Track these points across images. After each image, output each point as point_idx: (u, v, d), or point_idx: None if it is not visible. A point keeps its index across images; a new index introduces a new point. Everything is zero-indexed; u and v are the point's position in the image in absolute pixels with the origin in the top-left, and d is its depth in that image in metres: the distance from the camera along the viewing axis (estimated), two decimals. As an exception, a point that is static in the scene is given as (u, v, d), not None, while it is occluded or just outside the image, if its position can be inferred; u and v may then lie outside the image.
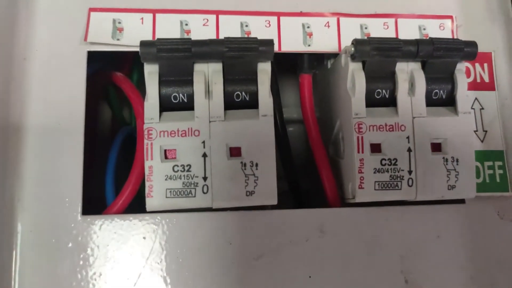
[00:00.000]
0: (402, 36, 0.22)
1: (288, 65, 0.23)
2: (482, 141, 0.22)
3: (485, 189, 0.21)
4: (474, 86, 0.22)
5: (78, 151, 0.19)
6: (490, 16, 0.23)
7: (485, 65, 0.23)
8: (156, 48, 0.18)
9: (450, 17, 0.23)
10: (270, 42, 0.19)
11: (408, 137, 0.20)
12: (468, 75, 0.22)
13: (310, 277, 0.20)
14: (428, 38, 0.21)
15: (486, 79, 0.22)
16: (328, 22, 0.22)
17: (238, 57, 0.19)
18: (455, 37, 0.23)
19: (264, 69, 0.19)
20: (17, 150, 0.19)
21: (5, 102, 0.19)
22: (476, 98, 0.22)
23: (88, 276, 0.19)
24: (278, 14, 0.21)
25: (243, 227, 0.19)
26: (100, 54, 0.20)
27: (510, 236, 0.21)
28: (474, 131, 0.22)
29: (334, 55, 0.22)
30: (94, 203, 0.20)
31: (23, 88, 0.20)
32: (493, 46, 0.23)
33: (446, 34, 0.22)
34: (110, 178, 0.21)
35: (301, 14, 0.22)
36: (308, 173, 0.23)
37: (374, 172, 0.20)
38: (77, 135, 0.19)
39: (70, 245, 0.19)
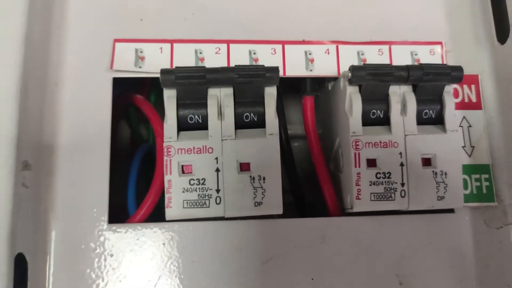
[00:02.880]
0: (396, 61, 0.24)
1: (294, 87, 0.25)
2: (469, 156, 0.24)
3: (473, 199, 0.23)
4: (462, 105, 0.24)
5: (105, 167, 0.22)
6: (477, 41, 0.25)
7: (473, 86, 0.25)
8: (174, 76, 0.21)
9: (440, 43, 0.25)
10: (275, 69, 0.21)
11: (400, 153, 0.22)
12: (457, 96, 0.25)
13: (312, 279, 0.22)
14: (418, 64, 0.23)
15: (474, 99, 0.25)
16: (328, 49, 0.24)
17: (247, 83, 0.21)
18: (445, 61, 0.25)
19: (271, 93, 0.22)
20: (50, 167, 0.22)
21: (39, 123, 0.22)
22: (464, 117, 0.24)
23: (114, 278, 0.21)
24: (283, 43, 0.24)
25: (252, 235, 0.22)
26: (124, 79, 0.23)
27: (496, 242, 0.23)
28: (462, 147, 0.24)
29: (334, 79, 0.24)
30: (116, 213, 0.22)
31: (54, 111, 0.22)
32: (480, 69, 0.25)
33: (436, 59, 0.25)
34: (132, 190, 0.23)
35: (303, 42, 0.24)
36: (311, 185, 0.26)
37: (370, 185, 0.22)
38: (104, 153, 0.22)
39: (97, 250, 0.21)
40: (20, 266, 0.19)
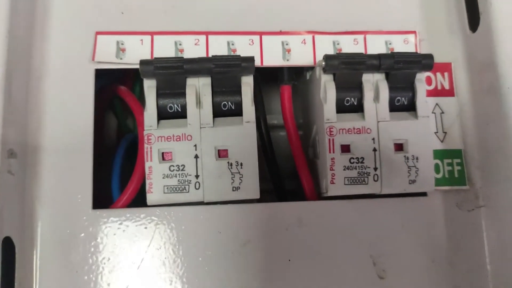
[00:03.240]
0: (370, 50, 0.25)
1: (275, 77, 0.26)
2: (442, 141, 0.25)
3: (445, 183, 0.24)
4: (436, 93, 0.25)
5: (88, 156, 0.22)
6: (450, 30, 0.26)
7: (446, 74, 0.25)
8: (153, 66, 0.22)
9: (414, 32, 0.26)
10: (251, 59, 0.22)
11: (373, 139, 0.23)
12: (430, 83, 0.25)
13: (289, 260, 0.23)
14: (390, 52, 0.24)
15: (447, 87, 0.25)
16: (304, 39, 0.25)
17: (224, 73, 0.22)
18: (418, 50, 0.25)
19: (247, 82, 0.23)
20: (35, 155, 0.22)
21: (23, 114, 0.22)
22: (437, 104, 0.25)
23: (98, 261, 0.22)
24: (260, 33, 0.25)
25: (231, 219, 0.23)
26: (107, 71, 0.24)
27: (467, 224, 0.24)
28: (435, 133, 0.25)
29: (312, 68, 0.25)
30: (102, 199, 0.23)
31: (39, 102, 0.23)
32: (453, 57, 0.26)
33: (410, 48, 0.25)
34: (116, 177, 0.24)
35: (280, 33, 0.25)
36: (292, 172, 0.26)
37: (344, 169, 0.23)
38: (87, 141, 0.23)
39: (82, 235, 0.22)
40: (7, 249, 0.20)
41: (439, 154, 0.24)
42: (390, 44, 0.25)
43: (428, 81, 0.25)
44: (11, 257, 0.21)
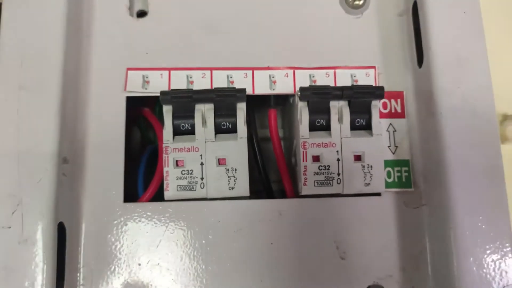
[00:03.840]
0: (339, 81, 0.32)
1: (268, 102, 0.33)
2: (393, 153, 0.31)
3: (395, 186, 0.31)
4: (390, 115, 0.32)
5: (120, 161, 0.29)
6: (403, 65, 0.32)
7: (398, 100, 0.32)
8: (170, 96, 0.29)
9: (374, 67, 0.32)
10: (243, 91, 0.29)
11: (337, 151, 0.30)
12: (385, 107, 0.32)
13: (272, 244, 0.29)
14: (351, 85, 0.30)
15: (399, 110, 0.32)
16: (287, 73, 0.32)
17: (223, 101, 0.29)
18: (377, 82, 0.32)
19: (241, 108, 0.29)
20: (81, 161, 0.30)
21: (73, 131, 0.30)
22: (390, 123, 0.32)
23: (128, 241, 0.29)
24: (252, 69, 0.31)
25: (227, 211, 0.29)
26: (134, 97, 0.31)
27: (412, 218, 0.30)
28: (388, 146, 0.31)
29: (293, 95, 0.32)
30: (129, 195, 0.30)
31: (84, 122, 0.30)
32: (405, 87, 0.32)
33: (370, 80, 0.32)
34: (141, 178, 0.31)
35: (268, 68, 0.32)
36: (277, 176, 0.33)
37: (314, 174, 0.30)
38: (120, 151, 0.30)
39: (115, 221, 0.29)
40: (61, 231, 0.27)
41: (391, 163, 0.31)
42: (354, 76, 0.32)
43: (384, 105, 0.32)
44: (63, 237, 0.28)
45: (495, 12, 0.38)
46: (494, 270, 0.27)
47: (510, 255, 0.27)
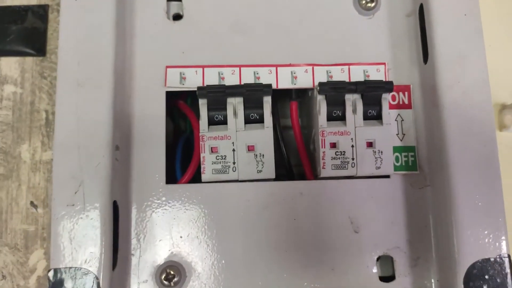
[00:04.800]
0: (353, 77, 0.36)
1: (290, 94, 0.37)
2: (401, 140, 0.35)
3: (402, 169, 0.35)
4: (398, 106, 0.36)
5: (162, 148, 0.34)
6: (410, 62, 0.36)
7: (406, 93, 0.36)
8: (206, 91, 0.33)
9: (384, 63, 0.36)
10: (269, 86, 0.33)
11: (352, 139, 0.34)
12: (394, 100, 0.36)
13: (295, 219, 0.34)
14: (363, 80, 0.34)
15: (406, 102, 0.36)
16: (306, 69, 0.36)
17: (251, 95, 0.33)
18: (387, 77, 0.36)
19: (267, 101, 0.34)
20: (129, 148, 0.34)
21: (122, 123, 0.34)
22: (399, 114, 0.36)
23: (170, 218, 0.33)
24: (276, 66, 0.35)
25: (256, 191, 0.34)
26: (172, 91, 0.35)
27: (418, 198, 0.34)
28: (396, 134, 0.35)
29: (312, 89, 0.36)
30: (169, 177, 0.35)
31: (132, 114, 0.34)
32: (412, 81, 0.36)
33: (381, 75, 0.36)
34: (178, 163, 0.35)
35: (290, 65, 0.36)
36: (298, 160, 0.38)
37: (331, 159, 0.34)
38: (161, 139, 0.34)
39: (158, 201, 0.34)
40: (115, 209, 0.32)
41: (399, 149, 0.35)
42: (367, 72, 0.36)
43: (393, 98, 0.36)
44: (117, 214, 0.32)
45: (493, 14, 0.42)
46: (489, 242, 0.31)
47: (503, 229, 0.31)
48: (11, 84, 0.41)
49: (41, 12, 0.42)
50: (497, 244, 0.31)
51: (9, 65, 0.41)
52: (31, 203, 0.40)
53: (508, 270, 0.31)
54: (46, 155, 0.40)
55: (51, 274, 0.30)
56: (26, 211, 0.40)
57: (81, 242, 0.30)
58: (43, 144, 0.40)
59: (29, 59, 0.42)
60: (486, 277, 0.31)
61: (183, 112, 0.37)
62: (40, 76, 0.41)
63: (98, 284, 0.29)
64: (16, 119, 0.41)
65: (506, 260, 0.31)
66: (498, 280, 0.31)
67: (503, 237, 0.31)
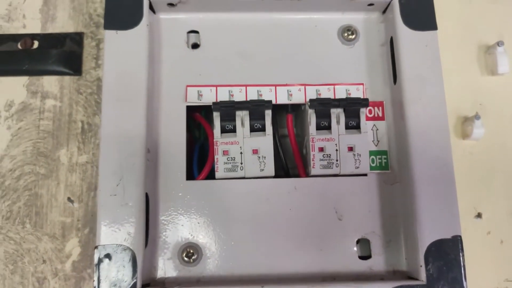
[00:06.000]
0: (337, 94, 0.44)
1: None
2: (376, 146, 0.44)
3: (377, 169, 0.43)
4: (374, 118, 0.44)
5: (183, 151, 0.42)
6: (384, 82, 0.45)
7: (380, 107, 0.44)
8: (219, 105, 0.41)
9: (362, 84, 0.45)
10: (269, 102, 0.41)
11: (336, 144, 0.42)
12: (371, 113, 0.44)
13: (290, 209, 0.42)
14: (345, 98, 0.43)
15: (380, 115, 0.44)
16: (300, 88, 0.44)
17: (255, 109, 0.41)
18: (365, 95, 0.44)
19: (268, 113, 0.42)
20: (156, 151, 0.42)
21: (151, 128, 0.42)
22: (374, 124, 0.44)
23: (188, 207, 0.41)
24: (275, 85, 0.43)
25: (259, 186, 0.42)
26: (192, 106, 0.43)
27: (389, 192, 0.42)
28: (372, 141, 0.44)
29: (304, 104, 0.44)
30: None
31: (158, 121, 0.43)
32: (385, 98, 0.44)
33: (360, 93, 0.43)
34: (195, 163, 0.43)
35: (286, 85, 0.44)
36: (293, 162, 0.46)
37: (320, 160, 0.42)
38: (182, 144, 0.42)
39: (180, 194, 0.42)
40: (146, 200, 0.40)
41: (374, 153, 0.43)
42: (348, 91, 0.44)
43: (370, 111, 0.44)
44: (147, 203, 0.40)
45: (449, 44, 0.51)
46: (444, 225, 0.39)
47: (456, 215, 0.39)
48: (51, 98, 0.49)
49: (78, 39, 0.50)
50: (451, 227, 0.39)
51: (50, 82, 0.49)
52: (68, 198, 0.47)
53: (460, 248, 0.39)
54: (82, 158, 0.48)
55: (97, 250, 0.37)
56: (63, 206, 0.47)
57: (121, 225, 0.38)
58: (79, 149, 0.48)
59: (67, 78, 0.49)
60: (443, 253, 0.38)
61: (197, 123, 0.46)
62: (76, 92, 0.49)
63: (134, 257, 0.37)
64: (56, 128, 0.48)
65: (459, 240, 0.39)
66: (452, 255, 0.39)
67: (456, 222, 0.39)
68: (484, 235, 0.48)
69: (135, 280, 0.36)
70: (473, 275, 0.45)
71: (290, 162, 0.45)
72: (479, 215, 0.48)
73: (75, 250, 0.45)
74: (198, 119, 0.45)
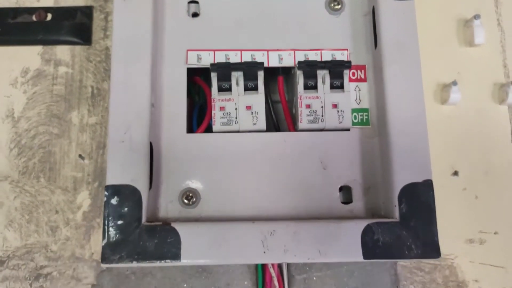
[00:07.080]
0: (324, 58, 0.49)
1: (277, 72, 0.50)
2: (358, 104, 0.48)
3: (359, 124, 0.47)
4: (357, 80, 0.48)
5: (183, 110, 0.47)
6: (366, 47, 0.49)
7: (362, 70, 0.49)
8: (216, 66, 0.46)
9: (346, 49, 0.49)
10: (262, 63, 0.46)
11: (321, 101, 0.47)
12: (354, 75, 0.48)
13: (280, 159, 0.46)
14: (330, 60, 0.47)
15: (362, 77, 0.49)
16: (290, 53, 0.49)
17: (249, 69, 0.46)
18: (349, 59, 0.49)
19: (260, 74, 0.46)
20: (160, 109, 0.47)
21: (155, 88, 0.47)
22: (357, 85, 0.49)
23: (189, 157, 0.46)
24: (267, 50, 0.48)
25: (252, 138, 0.46)
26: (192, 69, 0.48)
27: (369, 145, 0.47)
28: (355, 100, 0.48)
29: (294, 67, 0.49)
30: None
31: (161, 84, 0.47)
32: (367, 62, 0.48)
33: (344, 57, 0.48)
34: (195, 118, 0.48)
35: (277, 49, 0.49)
36: (283, 119, 0.50)
37: (306, 116, 0.46)
38: (183, 104, 0.47)
39: (181, 145, 0.46)
40: (150, 148, 0.44)
41: (356, 110, 0.48)
42: (334, 55, 0.48)
43: (353, 74, 0.48)
44: (151, 151, 0.45)
45: (431, 19, 0.56)
46: (417, 168, 0.43)
47: (427, 161, 0.44)
48: (64, 66, 0.53)
49: (88, 12, 0.55)
50: (423, 172, 0.44)
51: (63, 51, 0.54)
52: (79, 155, 0.51)
53: (431, 191, 0.43)
54: (91, 120, 0.52)
55: (107, 189, 0.42)
56: (75, 162, 0.51)
57: (128, 168, 0.42)
58: (89, 112, 0.52)
59: (78, 47, 0.54)
60: (415, 195, 0.43)
61: (197, 88, 0.50)
62: (87, 60, 0.54)
63: (140, 196, 0.42)
64: (67, 92, 0.53)
65: (430, 183, 0.43)
66: (424, 197, 0.43)
67: (427, 168, 0.43)
68: (460, 191, 0.52)
69: (140, 215, 0.41)
70: (449, 227, 0.50)
71: (280, 122, 0.50)
72: (455, 173, 0.52)
73: (86, 202, 0.49)
74: (197, 81, 0.50)
